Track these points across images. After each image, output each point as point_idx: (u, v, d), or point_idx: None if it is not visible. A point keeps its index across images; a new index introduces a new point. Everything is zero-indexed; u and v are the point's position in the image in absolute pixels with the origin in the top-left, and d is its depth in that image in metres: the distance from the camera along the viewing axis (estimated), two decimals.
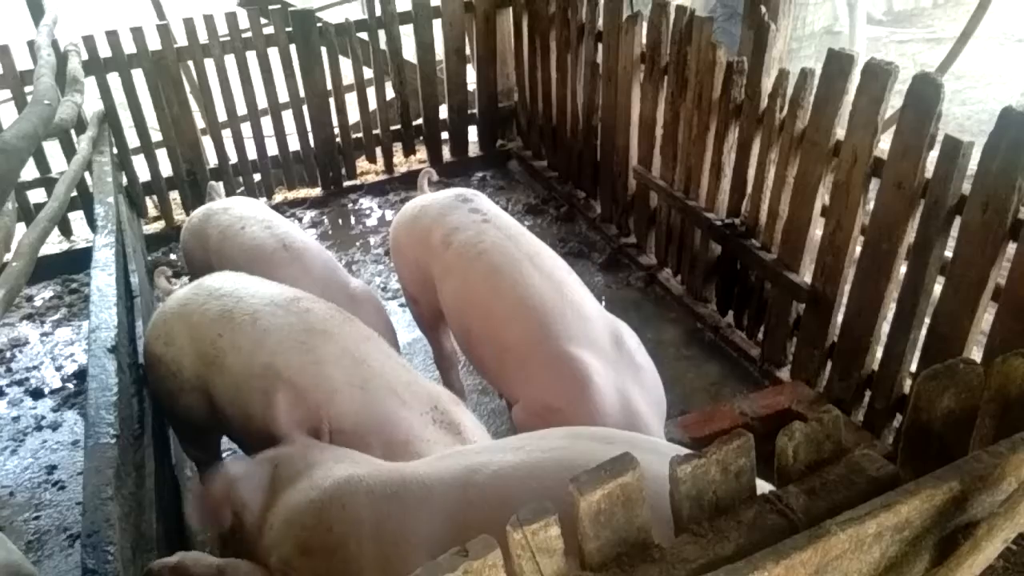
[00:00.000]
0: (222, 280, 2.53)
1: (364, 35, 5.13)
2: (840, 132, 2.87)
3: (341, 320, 2.36)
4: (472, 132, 5.70)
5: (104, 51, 4.64)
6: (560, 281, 2.52)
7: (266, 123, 5.15)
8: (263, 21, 4.98)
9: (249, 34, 4.88)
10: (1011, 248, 2.39)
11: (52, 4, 4.65)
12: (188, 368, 2.35)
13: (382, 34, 5.10)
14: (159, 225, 5.20)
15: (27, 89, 4.44)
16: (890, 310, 2.84)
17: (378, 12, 5.04)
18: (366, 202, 5.40)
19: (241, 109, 5.07)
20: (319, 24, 5.01)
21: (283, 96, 5.11)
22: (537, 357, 2.37)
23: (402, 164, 5.72)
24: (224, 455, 3.06)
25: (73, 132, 4.41)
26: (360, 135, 5.40)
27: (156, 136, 5.02)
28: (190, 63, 4.94)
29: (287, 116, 5.16)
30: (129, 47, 4.66)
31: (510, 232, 2.69)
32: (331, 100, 5.17)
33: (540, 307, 2.42)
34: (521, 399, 2.43)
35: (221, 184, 3.68)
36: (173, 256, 4.87)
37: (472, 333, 2.63)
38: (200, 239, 3.17)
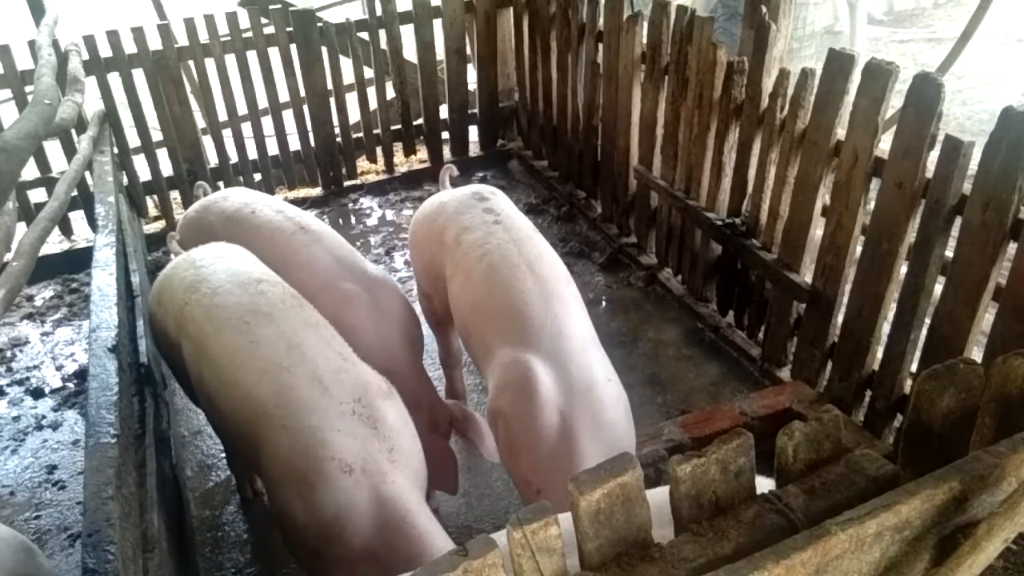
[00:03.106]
0: (209, 251, 2.61)
1: (365, 35, 5.13)
2: (841, 132, 2.87)
3: (291, 305, 2.37)
4: (473, 132, 5.70)
5: (105, 51, 4.64)
6: (550, 292, 2.49)
7: (267, 123, 5.15)
8: (264, 21, 4.98)
9: (250, 34, 4.88)
10: (1012, 248, 2.39)
11: (53, 4, 4.65)
12: (171, 328, 2.46)
13: (383, 34, 5.10)
14: (159, 224, 5.21)
15: (28, 89, 4.44)
16: (891, 310, 2.84)
17: (379, 12, 5.04)
18: (366, 202, 5.40)
19: (242, 109, 5.07)
20: (320, 24, 5.01)
21: (284, 96, 5.11)
22: (499, 359, 2.38)
23: (402, 164, 5.72)
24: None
25: (74, 132, 4.41)
26: (360, 135, 5.40)
27: (157, 136, 5.02)
28: (191, 63, 4.94)
29: (288, 116, 5.16)
30: (130, 47, 4.66)
31: (518, 235, 2.68)
32: (331, 100, 5.17)
33: (522, 314, 2.42)
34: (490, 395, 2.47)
35: (207, 185, 3.62)
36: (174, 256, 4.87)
37: (468, 331, 2.66)
38: (201, 230, 3.14)
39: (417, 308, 3.14)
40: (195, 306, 2.37)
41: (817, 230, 3.11)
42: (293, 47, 4.96)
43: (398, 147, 5.61)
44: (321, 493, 2.00)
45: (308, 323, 2.32)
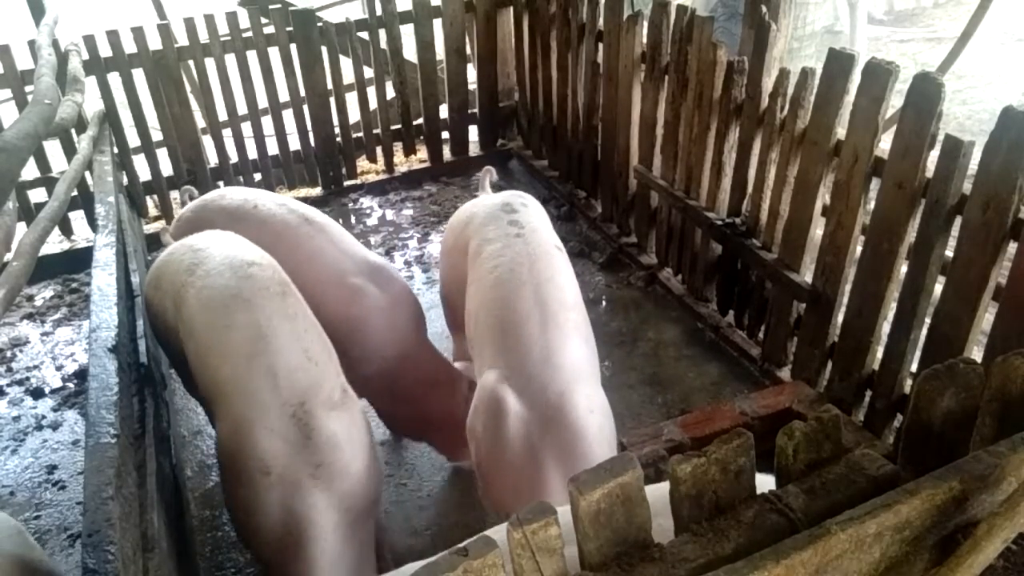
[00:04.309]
0: (205, 237, 2.63)
1: (365, 34, 5.13)
2: (841, 132, 2.87)
3: (274, 292, 2.34)
4: (473, 131, 5.70)
5: (105, 51, 4.64)
6: (549, 317, 2.43)
7: (267, 122, 5.15)
8: (264, 20, 4.98)
9: (250, 33, 4.88)
10: (1012, 248, 2.39)
11: (53, 4, 4.65)
12: (169, 310, 2.48)
13: (383, 33, 5.10)
14: (160, 224, 5.20)
15: (28, 89, 4.44)
16: (891, 310, 2.84)
17: (379, 11, 5.04)
18: (366, 201, 5.40)
19: (242, 108, 5.07)
20: (320, 23, 5.01)
21: (284, 95, 5.11)
22: (483, 380, 2.37)
23: (402, 164, 5.72)
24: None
25: (74, 131, 4.41)
26: (360, 134, 5.40)
27: (157, 136, 5.02)
28: (191, 62, 4.94)
29: (288, 115, 5.16)
30: (130, 47, 4.66)
31: (535, 251, 2.62)
32: (331, 99, 5.17)
33: (513, 335, 2.38)
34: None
35: (194, 189, 3.63)
36: None
37: (471, 342, 2.65)
38: (200, 229, 3.14)
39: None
40: (190, 287, 2.39)
41: (817, 230, 3.11)
42: (293, 47, 4.96)
43: (398, 147, 5.60)
44: (239, 487, 2.04)
45: (285, 314, 2.30)
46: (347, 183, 5.46)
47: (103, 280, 2.86)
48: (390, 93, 5.43)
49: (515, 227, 2.72)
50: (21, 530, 1.78)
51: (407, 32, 5.17)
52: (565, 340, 2.39)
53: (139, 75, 4.74)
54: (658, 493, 1.14)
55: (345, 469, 2.10)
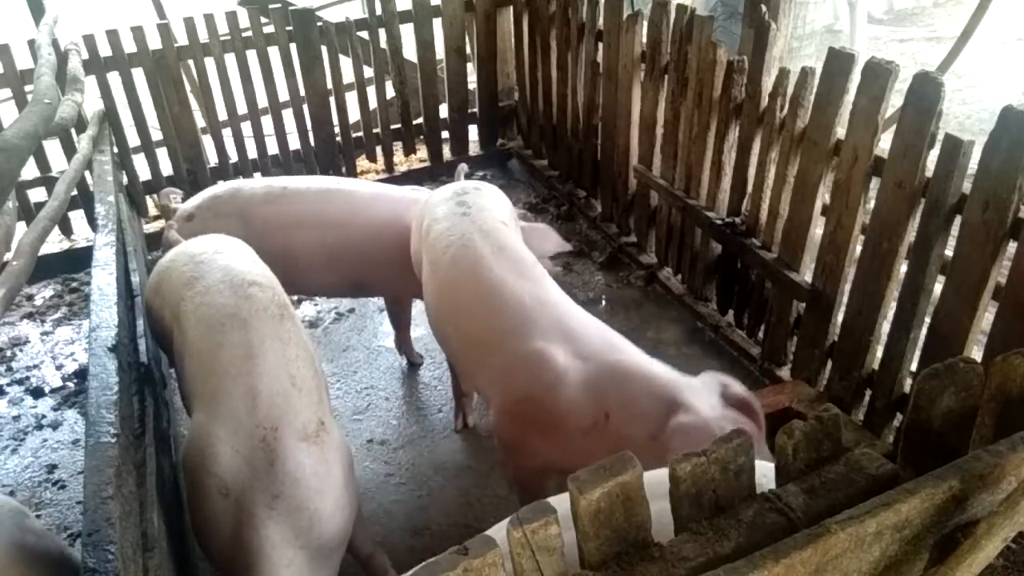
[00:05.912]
0: (208, 247, 2.61)
1: (364, 34, 5.12)
2: (841, 131, 2.87)
3: (271, 315, 2.31)
4: (472, 131, 5.70)
5: (104, 50, 4.64)
6: (519, 273, 2.51)
7: (266, 122, 5.14)
8: (263, 20, 4.98)
9: (249, 33, 4.88)
10: (1012, 247, 2.39)
11: (53, 3, 4.65)
12: (167, 318, 2.49)
13: (382, 33, 5.10)
14: (159, 224, 5.20)
15: (27, 88, 4.44)
16: (890, 309, 2.84)
17: (378, 11, 5.03)
18: None
19: (241, 108, 5.07)
20: (319, 23, 5.00)
21: (283, 95, 5.10)
22: (504, 355, 2.37)
23: (402, 163, 5.72)
24: None
25: (73, 131, 4.41)
26: (360, 134, 5.40)
27: (156, 135, 5.02)
28: (190, 62, 4.94)
29: (287, 115, 5.16)
30: (129, 46, 4.66)
31: (483, 226, 2.68)
32: (331, 99, 5.17)
33: (499, 299, 2.43)
34: (494, 400, 2.43)
35: (179, 192, 3.66)
36: None
37: (437, 319, 2.69)
38: (230, 221, 3.17)
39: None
40: (189, 302, 2.38)
41: (817, 229, 3.11)
42: (293, 47, 4.96)
43: (398, 146, 5.60)
44: (195, 501, 2.02)
45: (279, 337, 2.26)
46: None
47: (103, 279, 2.85)
48: (390, 93, 5.43)
49: (462, 207, 2.79)
50: (24, 511, 1.80)
51: (407, 32, 5.17)
52: (543, 286, 2.50)
53: (139, 75, 4.73)
54: (658, 480, 1.15)
55: (304, 504, 2.00)
